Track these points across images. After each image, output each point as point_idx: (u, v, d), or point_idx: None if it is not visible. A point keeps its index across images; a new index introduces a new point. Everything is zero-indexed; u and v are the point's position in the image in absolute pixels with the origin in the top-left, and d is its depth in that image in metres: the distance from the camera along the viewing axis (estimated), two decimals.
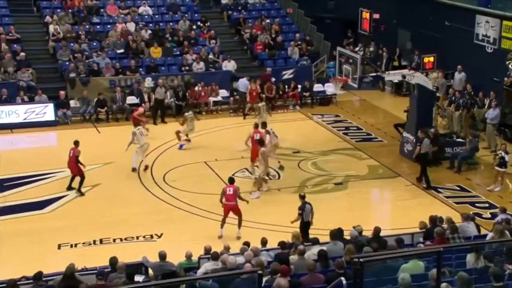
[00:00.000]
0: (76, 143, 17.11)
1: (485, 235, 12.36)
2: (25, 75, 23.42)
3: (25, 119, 22.25)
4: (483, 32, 23.27)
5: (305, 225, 13.94)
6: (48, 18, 26.00)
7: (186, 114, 20.67)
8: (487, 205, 16.55)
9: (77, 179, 17.06)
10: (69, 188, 17.16)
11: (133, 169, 18.42)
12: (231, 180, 15.45)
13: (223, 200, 14.88)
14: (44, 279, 10.74)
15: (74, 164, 16.95)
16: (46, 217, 16.05)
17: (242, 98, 23.97)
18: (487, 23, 23.07)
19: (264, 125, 18.95)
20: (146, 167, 18.60)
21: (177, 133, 20.22)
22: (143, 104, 22.40)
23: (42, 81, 24.05)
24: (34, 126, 22.09)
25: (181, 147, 20.29)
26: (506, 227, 11.86)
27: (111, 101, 23.17)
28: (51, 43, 25.24)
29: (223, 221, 14.89)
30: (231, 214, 14.98)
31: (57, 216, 16.08)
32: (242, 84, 24.27)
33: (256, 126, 18.39)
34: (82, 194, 16.99)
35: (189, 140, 20.52)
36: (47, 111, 22.38)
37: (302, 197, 14.30)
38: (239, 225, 14.89)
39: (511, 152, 17.91)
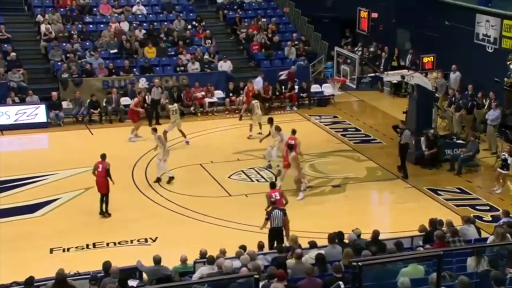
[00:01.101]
0: (103, 156, 15.80)
1: (486, 238, 12.24)
2: (16, 75, 23.10)
3: (16, 120, 21.97)
4: (484, 32, 23.05)
5: (272, 232, 13.43)
6: (39, 17, 25.73)
7: (169, 106, 20.71)
8: (487, 207, 16.37)
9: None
10: (102, 212, 15.69)
11: (171, 178, 17.54)
12: (273, 185, 14.82)
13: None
14: (35, 284, 10.68)
15: (104, 180, 15.53)
16: (38, 221, 15.79)
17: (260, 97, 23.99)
18: (487, 22, 22.86)
19: (270, 121, 18.65)
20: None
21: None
22: (136, 98, 21.78)
23: (33, 81, 23.75)
24: (25, 127, 21.81)
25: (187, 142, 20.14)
26: (507, 230, 11.79)
27: (107, 102, 22.86)
28: (43, 43, 24.94)
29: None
30: None
31: (49, 219, 15.83)
32: (258, 82, 24.08)
33: (293, 132, 17.72)
34: (109, 215, 15.72)
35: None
36: (38, 113, 22.08)
37: (273, 203, 13.85)
38: (287, 235, 13.57)
39: None
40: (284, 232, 13.49)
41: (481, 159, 18.99)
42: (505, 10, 22.39)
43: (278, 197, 14.18)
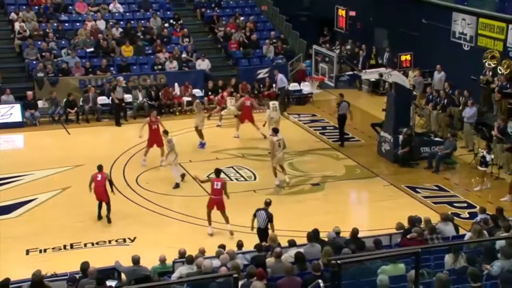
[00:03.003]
0: (101, 167, 15.47)
1: (463, 235, 12.27)
2: None
3: None
4: (460, 30, 23.25)
5: (258, 231, 13.53)
6: (13, 15, 25.34)
7: (197, 101, 21.02)
8: (465, 204, 16.47)
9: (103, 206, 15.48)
10: (100, 217, 15.44)
11: (177, 185, 17.18)
12: (218, 173, 15.09)
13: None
14: (11, 286, 10.53)
15: (104, 189, 15.26)
16: (13, 221, 15.56)
17: (283, 94, 24.09)
18: (463, 20, 23.07)
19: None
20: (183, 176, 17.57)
21: (196, 128, 19.91)
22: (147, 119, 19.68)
23: (8, 81, 23.38)
24: (0, 127, 21.42)
25: (203, 146, 19.94)
26: (484, 227, 11.89)
27: (84, 101, 22.61)
28: (17, 41, 24.58)
29: (209, 217, 14.63)
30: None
31: (25, 220, 15.63)
32: (281, 80, 24.19)
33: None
34: (110, 221, 15.36)
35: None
36: (13, 112, 21.79)
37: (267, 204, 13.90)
38: (227, 220, 14.63)
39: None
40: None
41: (458, 157, 19.13)
42: (481, 8, 22.64)
43: (218, 187, 14.51)
